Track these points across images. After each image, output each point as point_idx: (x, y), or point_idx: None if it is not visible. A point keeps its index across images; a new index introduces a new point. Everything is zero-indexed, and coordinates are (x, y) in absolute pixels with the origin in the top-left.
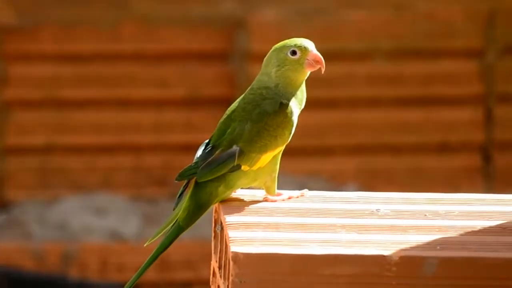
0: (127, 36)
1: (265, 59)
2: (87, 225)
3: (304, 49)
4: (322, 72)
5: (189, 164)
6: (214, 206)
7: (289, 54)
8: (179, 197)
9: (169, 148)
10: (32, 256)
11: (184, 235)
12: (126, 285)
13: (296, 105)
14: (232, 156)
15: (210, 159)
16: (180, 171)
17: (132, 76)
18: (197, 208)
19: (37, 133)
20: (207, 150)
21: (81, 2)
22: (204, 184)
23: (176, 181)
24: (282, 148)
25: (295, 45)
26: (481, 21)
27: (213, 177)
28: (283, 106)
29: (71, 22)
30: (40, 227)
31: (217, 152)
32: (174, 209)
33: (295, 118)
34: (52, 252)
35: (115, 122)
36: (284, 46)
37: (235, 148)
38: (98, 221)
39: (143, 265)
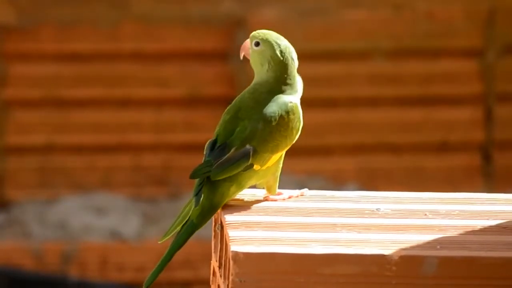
0: (127, 35)
1: (292, 54)
2: (87, 224)
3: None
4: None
5: (202, 163)
6: None
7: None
8: (196, 195)
9: (169, 148)
10: (32, 256)
11: None
12: (145, 283)
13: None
14: (246, 155)
15: (224, 158)
16: (194, 169)
17: (132, 76)
18: (211, 208)
19: (37, 132)
20: (219, 149)
21: (81, 1)
22: (217, 184)
23: (190, 179)
24: (288, 147)
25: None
26: (481, 21)
27: (227, 175)
28: (293, 106)
29: (71, 21)
30: (40, 226)
31: (231, 151)
32: (195, 207)
33: (302, 117)
34: (52, 251)
35: (115, 122)
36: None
37: (248, 147)
38: (98, 220)
39: (158, 264)
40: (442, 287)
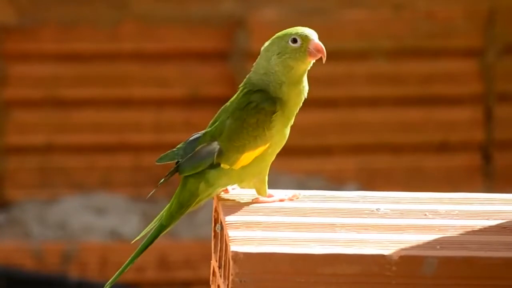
0: (127, 35)
1: (266, 45)
2: (87, 224)
3: (305, 38)
4: (323, 62)
5: (172, 150)
6: (214, 206)
7: (290, 42)
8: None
9: (169, 148)
10: (32, 256)
11: (184, 235)
12: (107, 283)
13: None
14: (211, 153)
15: (191, 154)
16: (161, 155)
17: (132, 76)
18: (179, 207)
19: (37, 132)
20: (191, 139)
21: (81, 1)
22: (185, 181)
23: (156, 163)
24: (264, 148)
25: (296, 33)
26: (481, 21)
27: (192, 172)
28: (267, 103)
29: (71, 21)
30: (40, 226)
31: (198, 148)
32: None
33: (280, 118)
34: (52, 251)
35: (115, 122)
36: (286, 34)
37: (215, 145)
38: (98, 220)
39: (125, 263)
40: (442, 287)
